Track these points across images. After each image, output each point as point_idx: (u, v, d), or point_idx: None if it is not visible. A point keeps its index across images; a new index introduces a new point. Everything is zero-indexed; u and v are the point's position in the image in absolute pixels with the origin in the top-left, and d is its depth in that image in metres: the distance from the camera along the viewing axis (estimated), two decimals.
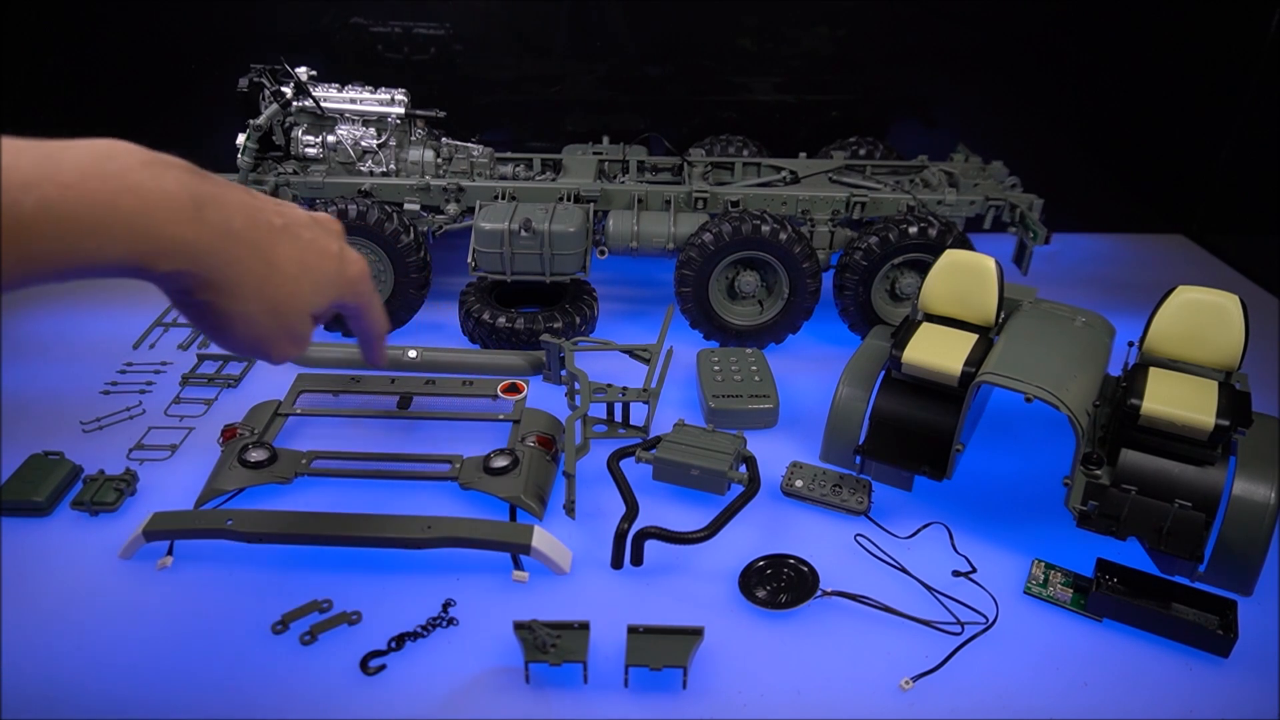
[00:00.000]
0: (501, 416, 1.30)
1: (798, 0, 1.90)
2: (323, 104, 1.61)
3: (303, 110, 1.62)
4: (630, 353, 1.38)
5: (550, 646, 0.88)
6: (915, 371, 1.15)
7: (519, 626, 0.90)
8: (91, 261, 0.50)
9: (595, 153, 1.77)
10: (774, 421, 1.34)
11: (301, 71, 1.61)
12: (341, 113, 1.63)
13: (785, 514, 1.16)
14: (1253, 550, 0.99)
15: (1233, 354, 1.09)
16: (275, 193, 1.60)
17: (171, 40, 1.91)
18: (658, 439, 1.18)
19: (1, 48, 1.88)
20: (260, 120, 1.58)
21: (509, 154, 1.74)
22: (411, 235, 1.52)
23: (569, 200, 1.58)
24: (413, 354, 1.44)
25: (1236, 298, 1.09)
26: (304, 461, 1.18)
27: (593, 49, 1.95)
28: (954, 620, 0.99)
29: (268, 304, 0.59)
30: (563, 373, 1.36)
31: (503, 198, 1.58)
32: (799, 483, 1.18)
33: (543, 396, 1.38)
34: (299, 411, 1.30)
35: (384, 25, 1.90)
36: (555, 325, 1.49)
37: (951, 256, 1.22)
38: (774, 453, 1.25)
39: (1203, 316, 1.10)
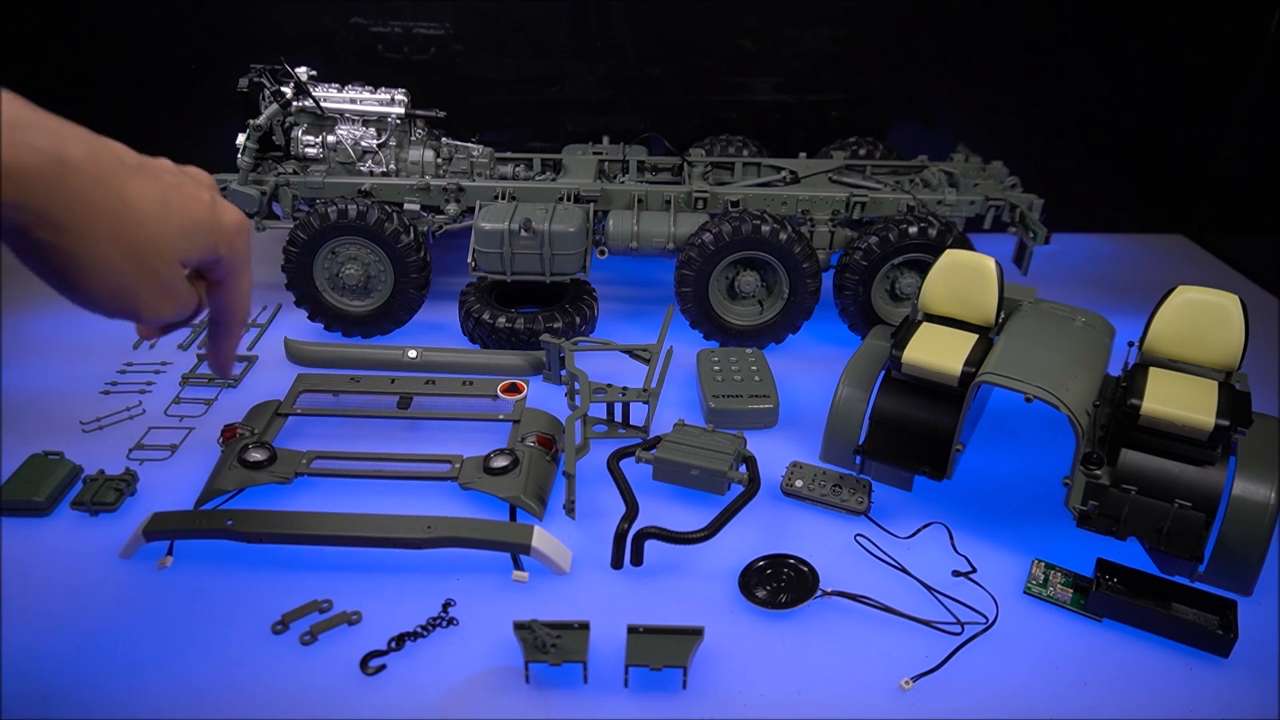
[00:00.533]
0: (501, 416, 1.30)
1: (798, 0, 1.90)
2: (323, 104, 1.61)
3: (303, 110, 1.62)
4: (630, 353, 1.38)
5: (550, 646, 0.88)
6: (915, 371, 1.15)
7: (519, 626, 0.90)
8: None
9: (595, 153, 1.77)
10: (774, 421, 1.34)
11: (301, 71, 1.61)
12: (341, 113, 1.63)
13: (785, 514, 1.16)
14: (1253, 550, 0.99)
15: (1233, 354, 1.09)
16: (275, 193, 1.60)
17: (171, 40, 1.91)
18: (658, 439, 1.18)
19: (2, 47, 1.88)
20: (260, 120, 1.58)
21: (509, 154, 1.74)
22: (411, 235, 1.52)
23: (569, 200, 1.58)
24: (413, 354, 1.44)
25: (1236, 298, 1.09)
26: (304, 461, 1.18)
27: (593, 49, 1.95)
28: (954, 620, 0.99)
29: (124, 244, 0.52)
30: (563, 373, 1.36)
31: (503, 198, 1.58)
32: (799, 483, 1.18)
33: (543, 396, 1.38)
34: (299, 411, 1.30)
35: (384, 25, 1.90)
36: (555, 325, 1.49)
37: (951, 256, 1.22)
38: (774, 453, 1.25)
39: (1203, 316, 1.10)
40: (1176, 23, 1.93)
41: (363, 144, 1.63)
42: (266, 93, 1.61)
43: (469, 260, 1.53)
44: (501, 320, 1.49)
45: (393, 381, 1.35)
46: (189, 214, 0.57)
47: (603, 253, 1.59)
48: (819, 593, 1.01)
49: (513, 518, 1.12)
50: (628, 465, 1.18)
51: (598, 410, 1.31)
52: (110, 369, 1.45)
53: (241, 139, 1.58)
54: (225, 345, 0.67)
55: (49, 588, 1.00)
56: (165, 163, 0.59)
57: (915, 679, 0.92)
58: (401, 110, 1.63)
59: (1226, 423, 0.98)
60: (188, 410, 1.35)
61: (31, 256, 0.51)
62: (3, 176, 0.46)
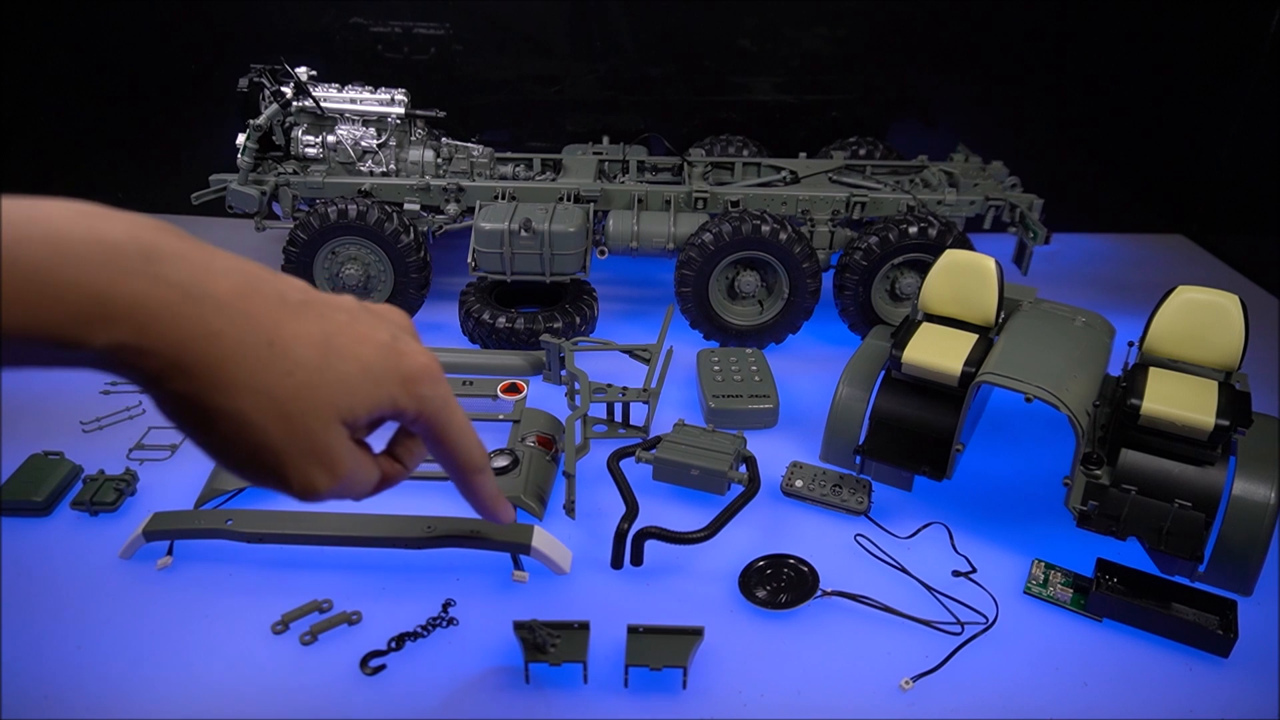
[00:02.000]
0: (501, 416, 1.30)
1: (798, 0, 1.90)
2: (323, 104, 1.61)
3: (303, 110, 1.62)
4: (630, 353, 1.38)
5: (550, 646, 0.88)
6: (915, 371, 1.15)
7: (519, 626, 0.90)
8: None
9: (595, 153, 1.77)
10: (774, 421, 1.34)
11: (301, 71, 1.61)
12: (341, 113, 1.63)
13: (785, 514, 1.16)
14: (1253, 550, 0.99)
15: (1233, 354, 1.09)
16: (275, 193, 1.60)
17: (171, 40, 1.91)
18: (658, 439, 1.18)
19: (2, 47, 1.88)
20: (260, 120, 1.58)
21: (509, 154, 1.74)
22: (411, 235, 1.52)
23: (569, 200, 1.59)
24: None
25: (1236, 298, 1.09)
26: None
27: (593, 49, 1.95)
28: (954, 620, 0.99)
29: (266, 397, 0.43)
30: (563, 373, 1.36)
31: (503, 198, 1.59)
32: (799, 483, 1.18)
33: (543, 396, 1.38)
34: None
35: (384, 25, 1.90)
36: (555, 325, 1.50)
37: (951, 256, 1.22)
38: (774, 453, 1.25)
39: (1203, 316, 1.10)
40: (1176, 22, 1.93)
41: (363, 144, 1.63)
42: (266, 93, 1.61)
43: (469, 260, 1.53)
44: (501, 320, 1.49)
45: None
46: (356, 360, 0.46)
47: (603, 253, 1.59)
48: (819, 593, 1.01)
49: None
50: (628, 465, 1.18)
51: (598, 410, 1.31)
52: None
53: (241, 139, 1.58)
54: (475, 499, 0.56)
55: (49, 588, 1.00)
56: (344, 300, 0.49)
57: (915, 679, 0.92)
58: (401, 110, 1.63)
59: (1226, 423, 0.98)
60: None
61: (169, 410, 0.43)
62: (122, 316, 0.38)
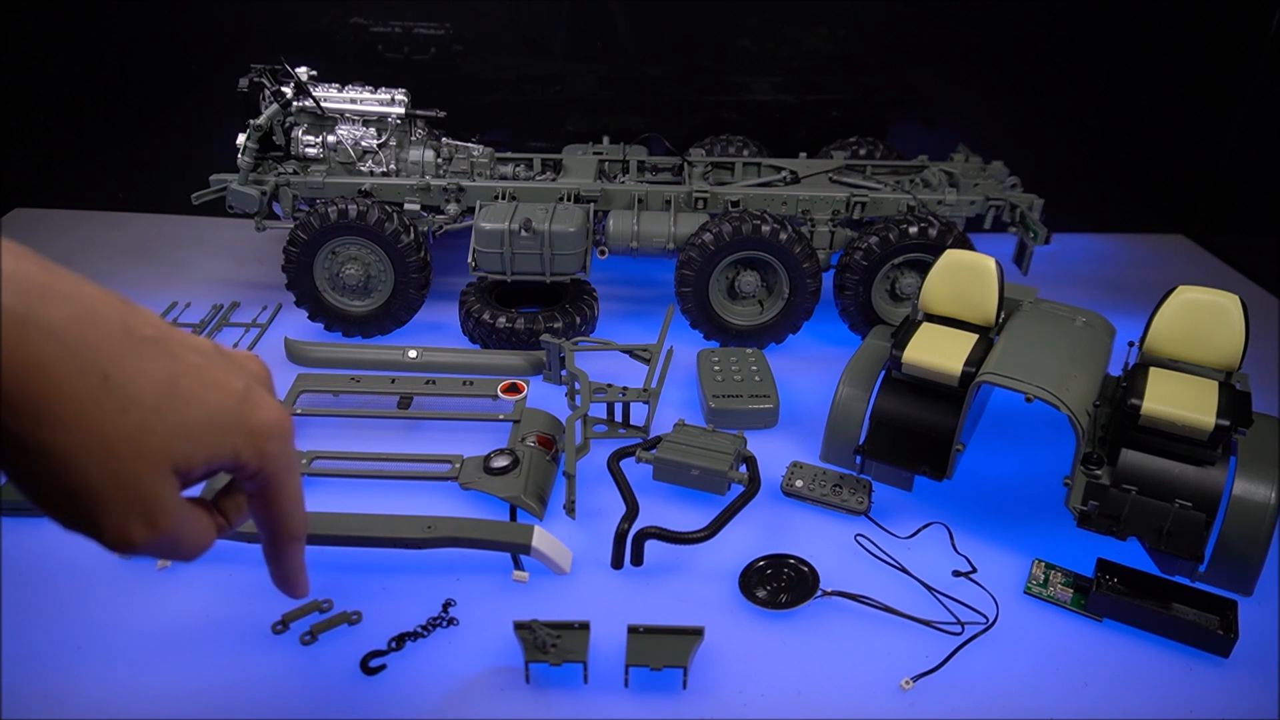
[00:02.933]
0: (501, 416, 1.30)
1: (798, 0, 1.90)
2: (323, 104, 1.61)
3: (303, 110, 1.62)
4: (630, 353, 1.38)
5: (550, 646, 0.88)
6: (915, 371, 1.15)
7: (519, 626, 0.90)
8: None
9: (595, 153, 1.77)
10: (774, 421, 1.34)
11: (301, 71, 1.61)
12: (341, 113, 1.63)
13: (785, 514, 1.16)
14: (1253, 550, 0.99)
15: (1233, 354, 1.09)
16: (276, 193, 1.60)
17: (171, 40, 1.91)
18: (658, 439, 1.18)
19: (2, 47, 1.88)
20: (260, 120, 1.58)
21: (509, 154, 1.74)
22: (411, 235, 1.52)
23: (569, 200, 1.58)
24: (413, 354, 1.44)
25: (1236, 298, 1.09)
26: (304, 461, 1.18)
27: (593, 49, 1.95)
28: (954, 620, 0.99)
29: (92, 435, 0.39)
30: (563, 373, 1.36)
31: (503, 198, 1.58)
32: (799, 483, 1.18)
33: (543, 396, 1.38)
34: (299, 412, 1.30)
35: (384, 25, 1.90)
36: (555, 325, 1.49)
37: (951, 256, 1.22)
38: (774, 453, 1.25)
39: (1203, 316, 1.10)
40: (1176, 23, 1.93)
41: (363, 144, 1.63)
42: (266, 93, 1.61)
43: (469, 260, 1.53)
44: (501, 320, 1.49)
45: (393, 381, 1.35)
46: (202, 406, 0.43)
47: (603, 253, 1.59)
48: (819, 593, 1.01)
49: (513, 518, 1.12)
50: (628, 465, 1.18)
51: (598, 410, 1.31)
52: None
53: (241, 139, 1.58)
54: (278, 568, 0.53)
55: (49, 588, 1.00)
56: (200, 342, 0.46)
57: (915, 679, 0.92)
58: (402, 110, 1.63)
59: (1227, 423, 0.98)
60: None
61: None
62: None
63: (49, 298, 0.38)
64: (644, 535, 1.04)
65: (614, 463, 1.17)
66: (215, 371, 0.45)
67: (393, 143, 1.65)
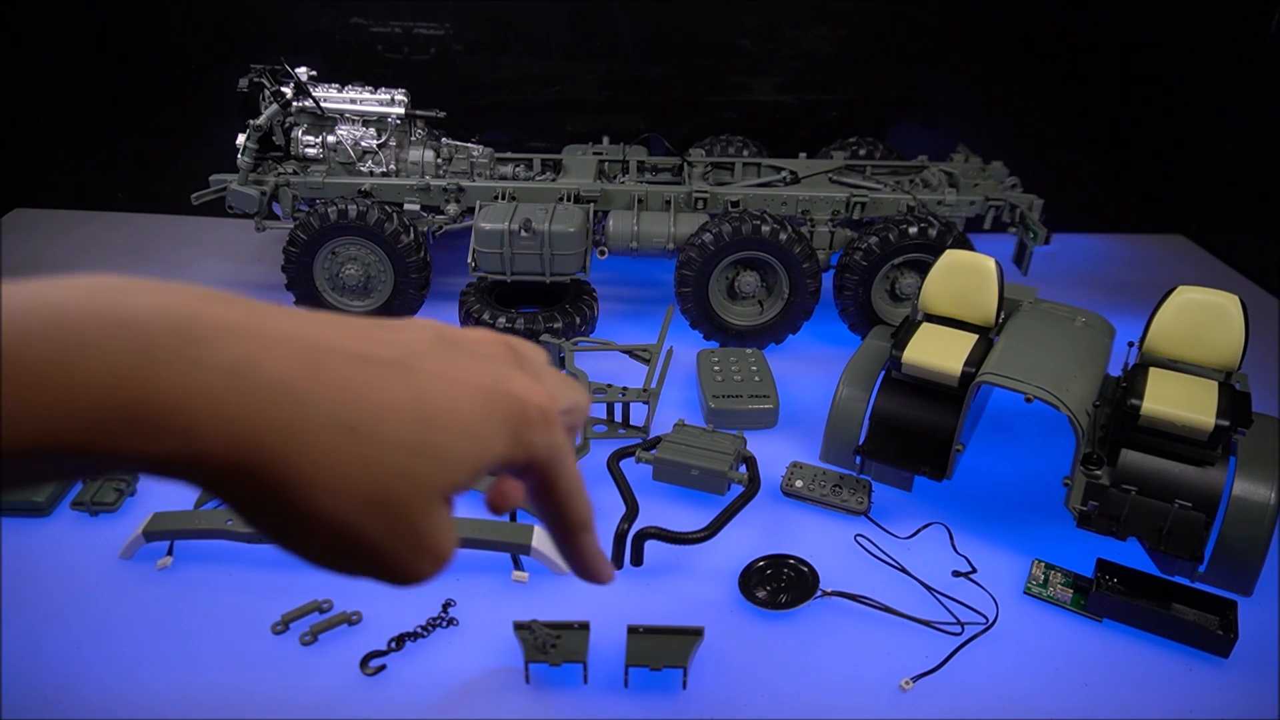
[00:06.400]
0: None
1: (798, 0, 1.90)
2: (323, 104, 1.61)
3: (303, 110, 1.62)
4: (630, 353, 1.38)
5: (550, 646, 0.88)
6: (915, 371, 1.15)
7: (519, 626, 0.90)
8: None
9: (595, 153, 1.77)
10: (774, 421, 1.34)
11: (301, 72, 1.61)
12: (341, 113, 1.63)
13: (785, 514, 1.16)
14: (1253, 550, 0.99)
15: (1233, 354, 1.09)
16: (275, 193, 1.60)
17: (171, 40, 1.91)
18: (658, 439, 1.18)
19: (2, 47, 1.88)
20: (260, 120, 1.58)
21: (509, 154, 1.74)
22: (411, 235, 1.52)
23: (569, 200, 1.58)
24: None
25: (1236, 298, 1.09)
26: None
27: (593, 49, 1.95)
28: (954, 620, 0.99)
29: (359, 496, 0.34)
30: (563, 373, 1.36)
31: (503, 198, 1.58)
32: (799, 483, 1.18)
33: None
34: None
35: (384, 25, 1.90)
36: (555, 325, 1.49)
37: (951, 256, 1.22)
38: (774, 453, 1.25)
39: (1203, 316, 1.10)
40: (1176, 23, 1.93)
41: (363, 144, 1.63)
42: (266, 93, 1.61)
43: (469, 260, 1.53)
44: (501, 320, 1.49)
45: None
46: (456, 422, 0.37)
47: (603, 253, 1.59)
48: (819, 593, 1.01)
49: (513, 518, 1.12)
50: (628, 465, 1.18)
51: (598, 410, 1.31)
52: None
53: (241, 139, 1.58)
54: (574, 562, 0.47)
55: (49, 588, 1.00)
56: (426, 337, 0.39)
57: (915, 679, 0.92)
58: (401, 110, 1.63)
59: (1226, 423, 0.98)
60: None
61: (240, 514, 0.35)
62: (157, 420, 0.30)
63: (269, 347, 0.33)
64: (644, 535, 1.04)
65: (614, 463, 1.17)
66: (454, 370, 0.38)
67: (392, 143, 1.65)
